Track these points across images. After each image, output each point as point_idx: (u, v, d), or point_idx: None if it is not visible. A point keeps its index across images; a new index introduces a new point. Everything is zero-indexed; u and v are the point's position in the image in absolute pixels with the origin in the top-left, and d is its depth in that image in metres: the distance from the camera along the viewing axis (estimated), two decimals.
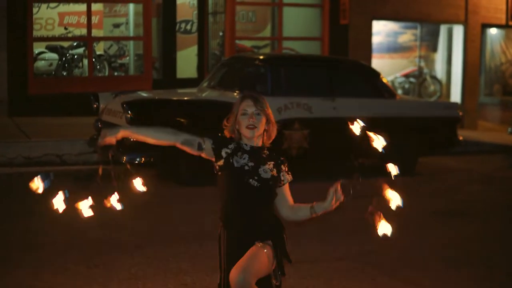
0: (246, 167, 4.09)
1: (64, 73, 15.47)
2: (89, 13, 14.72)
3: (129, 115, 9.46)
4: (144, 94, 11.01)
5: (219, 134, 4.20)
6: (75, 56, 15.59)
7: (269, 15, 17.69)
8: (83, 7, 15.00)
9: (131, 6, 16.16)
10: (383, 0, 17.56)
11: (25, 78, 14.06)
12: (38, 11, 15.45)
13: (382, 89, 11.41)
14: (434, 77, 19.70)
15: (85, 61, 15.21)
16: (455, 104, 13.26)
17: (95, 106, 10.79)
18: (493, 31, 19.96)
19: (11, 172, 10.45)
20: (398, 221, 3.98)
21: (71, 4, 15.83)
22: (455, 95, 19.30)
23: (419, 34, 19.63)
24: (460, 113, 12.09)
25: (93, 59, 15.35)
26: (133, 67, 16.33)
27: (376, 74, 11.54)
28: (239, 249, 4.00)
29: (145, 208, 7.89)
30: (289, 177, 4.23)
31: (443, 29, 19.58)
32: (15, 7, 13.93)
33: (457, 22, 18.84)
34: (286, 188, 4.23)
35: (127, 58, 16.70)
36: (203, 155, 4.11)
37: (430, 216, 8.87)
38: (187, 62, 16.59)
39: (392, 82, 18.90)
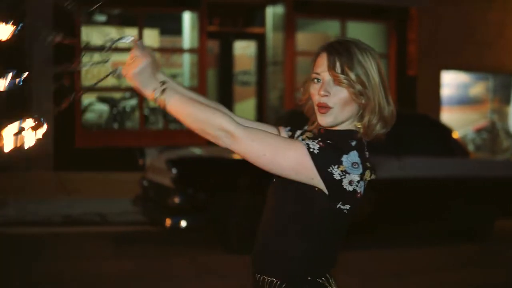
0: None
1: (115, 126, 14.79)
2: None
3: (173, 174, 8.63)
4: (195, 151, 10.18)
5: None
6: (127, 108, 14.92)
7: None
8: None
9: (187, 56, 15.47)
10: (453, 50, 16.58)
11: (72, 130, 13.43)
12: (90, 60, 14.84)
13: (454, 147, 10.37)
14: (507, 132, 18.52)
15: (137, 114, 14.53)
16: None
17: (141, 162, 10.01)
18: None
19: (47, 232, 9.71)
20: None
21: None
22: None
23: (491, 86, 18.51)
24: None
25: (145, 112, 14.67)
26: None
27: (447, 130, 10.52)
28: None
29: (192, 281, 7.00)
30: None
31: None
32: (61, 56, 13.36)
33: None
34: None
35: None
36: None
37: None
38: (245, 115, 15.83)
39: (463, 137, 17.79)
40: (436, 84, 16.61)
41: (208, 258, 8.57)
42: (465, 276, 8.25)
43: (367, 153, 2.52)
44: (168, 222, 8.65)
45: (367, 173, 2.46)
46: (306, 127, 2.77)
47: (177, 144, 11.91)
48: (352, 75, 2.43)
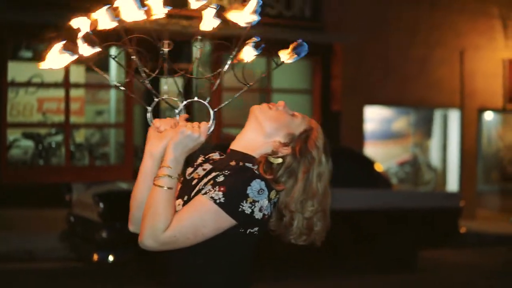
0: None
1: (41, 162, 14.68)
2: (67, 99, 14.06)
3: (100, 209, 8.65)
4: (122, 185, 10.21)
5: None
6: (53, 144, 14.83)
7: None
8: (63, 92, 14.30)
9: (113, 92, 15.49)
10: (376, 85, 16.98)
11: None
12: (16, 96, 14.76)
13: (377, 179, 10.63)
14: (429, 165, 18.97)
15: (63, 150, 14.46)
16: (456, 194, 12.50)
17: (67, 198, 9.98)
18: (488, 115, 19.35)
19: None
20: None
21: (51, 90, 15.14)
22: (452, 183, 18.57)
23: (413, 120, 18.99)
24: (462, 204, 11.22)
25: (72, 148, 14.61)
26: (114, 156, 15.56)
27: (370, 162, 10.79)
28: None
29: None
30: (212, 191, 2.51)
31: (437, 114, 18.96)
32: None
33: (452, 106, 18.21)
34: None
35: (109, 147, 15.94)
36: None
37: None
38: None
39: (387, 171, 18.14)
40: (359, 119, 16.95)
41: None
42: None
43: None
44: (95, 257, 8.65)
45: (273, 193, 2.57)
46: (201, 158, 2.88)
47: (103, 180, 11.89)
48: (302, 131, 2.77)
